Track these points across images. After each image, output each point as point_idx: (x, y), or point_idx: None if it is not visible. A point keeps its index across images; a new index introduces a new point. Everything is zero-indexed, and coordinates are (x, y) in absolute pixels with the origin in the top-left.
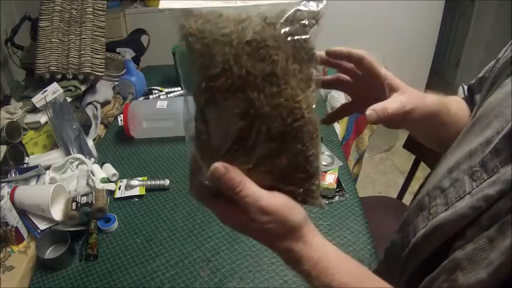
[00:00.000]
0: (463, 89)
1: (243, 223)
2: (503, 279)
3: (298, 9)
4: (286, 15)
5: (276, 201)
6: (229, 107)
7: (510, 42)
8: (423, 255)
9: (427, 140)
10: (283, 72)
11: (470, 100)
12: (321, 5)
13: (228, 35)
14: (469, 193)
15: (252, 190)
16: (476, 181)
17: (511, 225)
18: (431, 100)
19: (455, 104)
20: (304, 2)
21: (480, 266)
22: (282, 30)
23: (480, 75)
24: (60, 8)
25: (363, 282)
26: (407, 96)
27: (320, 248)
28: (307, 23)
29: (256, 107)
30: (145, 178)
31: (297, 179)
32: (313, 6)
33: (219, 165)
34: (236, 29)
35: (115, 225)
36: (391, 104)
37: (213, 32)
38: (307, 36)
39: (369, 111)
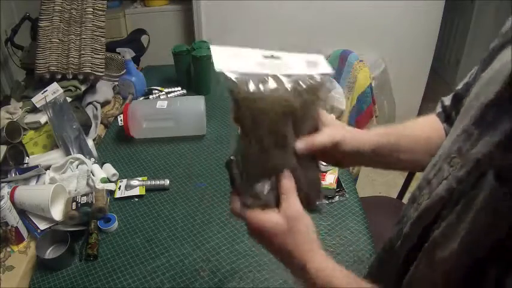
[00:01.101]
0: (441, 103)
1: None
2: (471, 249)
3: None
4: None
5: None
6: (263, 149)
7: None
8: (411, 243)
9: (393, 166)
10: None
11: (452, 108)
12: (323, 77)
13: (266, 108)
14: (446, 178)
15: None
16: (452, 166)
17: (473, 199)
18: (364, 132)
19: (415, 126)
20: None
21: (452, 239)
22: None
23: (465, 80)
24: (60, 8)
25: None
26: (333, 128)
27: (325, 268)
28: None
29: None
30: (145, 178)
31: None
32: (318, 78)
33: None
34: (272, 103)
35: (115, 225)
36: (318, 136)
37: (256, 101)
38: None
39: (298, 143)
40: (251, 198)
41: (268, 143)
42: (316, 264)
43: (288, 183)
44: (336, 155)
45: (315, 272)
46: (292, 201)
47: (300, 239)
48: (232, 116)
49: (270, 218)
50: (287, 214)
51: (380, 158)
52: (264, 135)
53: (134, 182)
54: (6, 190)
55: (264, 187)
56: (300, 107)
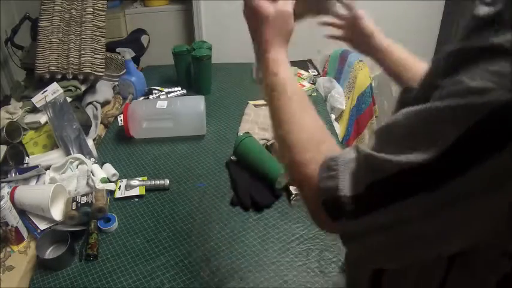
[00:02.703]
0: None
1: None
2: None
3: None
4: None
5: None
6: None
7: None
8: None
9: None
10: None
11: None
12: None
13: None
14: None
15: None
16: None
17: None
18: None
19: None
20: None
21: None
22: None
23: None
24: (60, 8)
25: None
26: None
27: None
28: None
29: None
30: (145, 178)
31: None
32: None
33: None
34: None
35: (115, 225)
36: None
37: None
38: None
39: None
40: None
41: None
42: (275, 56)
43: None
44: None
45: (271, 61)
46: (287, 3)
47: (275, 32)
48: None
49: (264, 3)
50: (278, 7)
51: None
52: None
53: (134, 182)
54: (6, 190)
55: None
56: None
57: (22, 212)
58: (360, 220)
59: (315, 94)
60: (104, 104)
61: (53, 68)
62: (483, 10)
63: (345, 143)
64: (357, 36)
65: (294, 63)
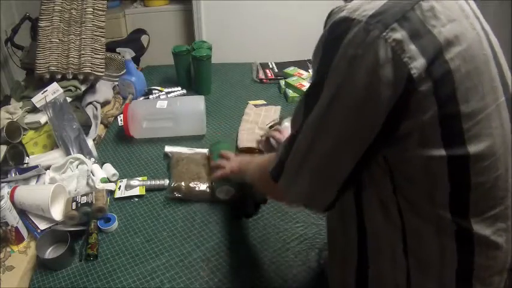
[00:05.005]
0: None
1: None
2: None
3: None
4: None
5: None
6: None
7: None
8: None
9: None
10: None
11: None
12: None
13: None
14: None
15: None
16: None
17: None
18: None
19: None
20: None
21: None
22: None
23: None
24: (60, 8)
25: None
26: None
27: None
28: None
29: None
30: (145, 178)
31: None
32: None
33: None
34: None
35: (115, 225)
36: None
37: None
38: None
39: None
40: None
41: None
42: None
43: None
44: None
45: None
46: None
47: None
48: None
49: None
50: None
51: None
52: None
53: (134, 182)
54: (6, 190)
55: None
56: None
57: (22, 212)
58: (285, 169)
59: None
60: (104, 104)
61: (53, 68)
62: None
63: None
64: None
65: (293, 63)
